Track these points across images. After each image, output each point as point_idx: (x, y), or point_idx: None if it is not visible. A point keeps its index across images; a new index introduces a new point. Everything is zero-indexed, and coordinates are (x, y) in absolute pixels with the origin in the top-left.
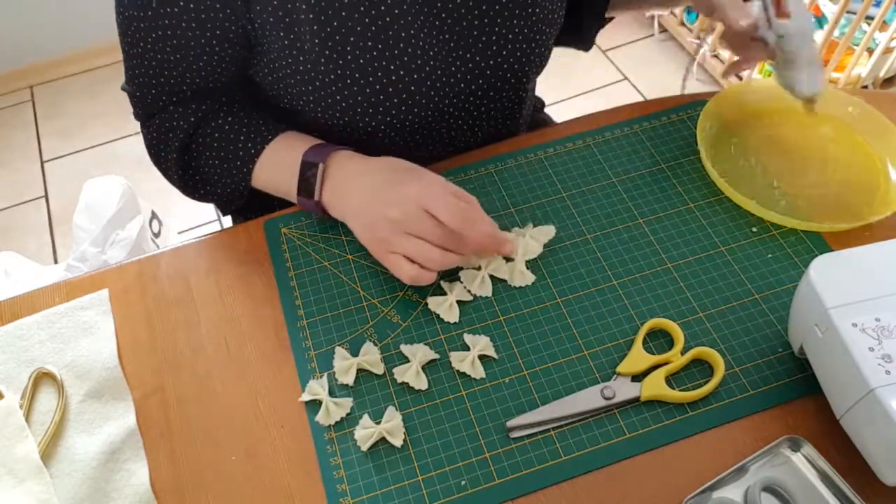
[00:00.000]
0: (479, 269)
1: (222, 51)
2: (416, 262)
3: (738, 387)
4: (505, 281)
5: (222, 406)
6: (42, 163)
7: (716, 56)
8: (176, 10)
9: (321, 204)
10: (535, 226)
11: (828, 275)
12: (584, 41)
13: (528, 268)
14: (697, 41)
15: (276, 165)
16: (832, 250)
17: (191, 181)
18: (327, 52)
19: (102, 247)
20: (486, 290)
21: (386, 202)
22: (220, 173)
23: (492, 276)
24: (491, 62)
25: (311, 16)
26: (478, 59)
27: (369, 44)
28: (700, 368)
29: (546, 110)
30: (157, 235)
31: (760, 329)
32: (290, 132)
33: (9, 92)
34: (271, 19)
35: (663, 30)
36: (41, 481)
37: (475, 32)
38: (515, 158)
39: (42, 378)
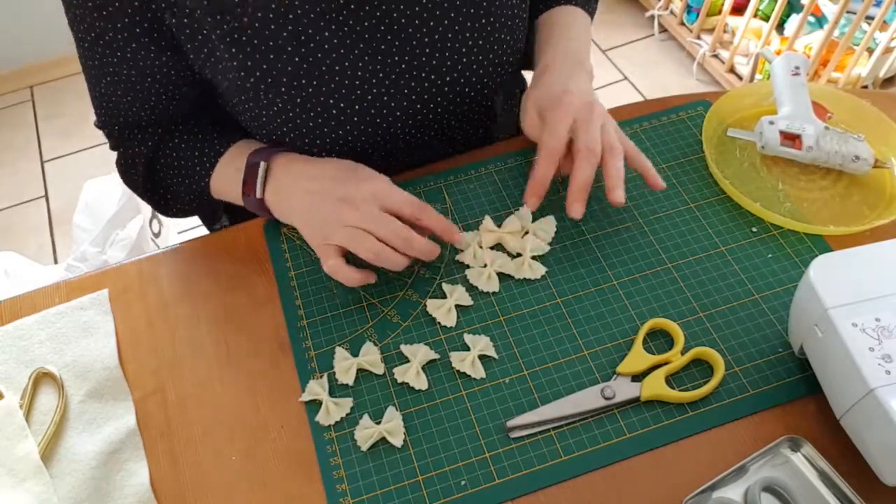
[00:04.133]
0: (485, 266)
1: (176, 89)
2: (349, 249)
3: (738, 387)
4: (510, 278)
5: (222, 406)
6: (42, 163)
7: (716, 56)
8: (115, 60)
9: (265, 203)
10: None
11: (828, 275)
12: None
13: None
14: (698, 41)
15: (227, 173)
16: (832, 250)
17: (162, 200)
18: (261, 95)
19: (102, 247)
20: (493, 286)
21: (340, 200)
22: (184, 190)
23: (498, 273)
24: (447, 78)
25: (234, 63)
26: (433, 77)
27: (303, 82)
28: (700, 368)
29: None
30: (157, 235)
31: (760, 329)
32: (241, 142)
33: (9, 92)
34: (206, 71)
35: (663, 30)
36: (41, 481)
37: (427, 51)
38: (515, 158)
39: (42, 378)
